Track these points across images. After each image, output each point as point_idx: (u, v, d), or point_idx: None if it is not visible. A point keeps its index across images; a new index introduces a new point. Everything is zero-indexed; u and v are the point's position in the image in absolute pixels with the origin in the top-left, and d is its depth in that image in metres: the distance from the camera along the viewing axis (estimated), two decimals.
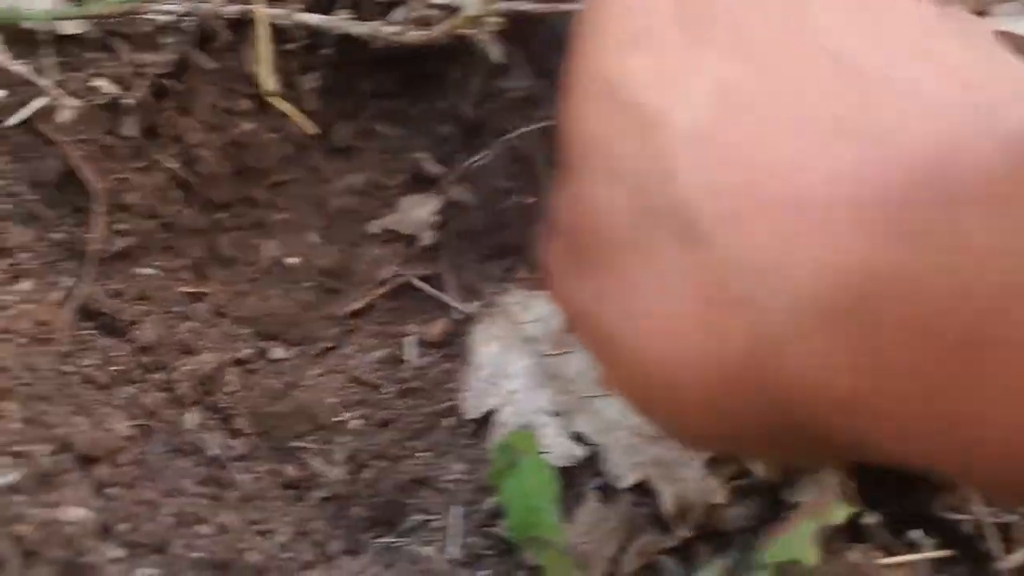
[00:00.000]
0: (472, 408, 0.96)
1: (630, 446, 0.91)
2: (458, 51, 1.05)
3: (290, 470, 0.94)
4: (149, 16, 0.98)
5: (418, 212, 1.08)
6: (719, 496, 0.88)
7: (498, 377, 0.97)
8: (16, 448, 0.82)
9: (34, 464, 0.81)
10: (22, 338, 0.91)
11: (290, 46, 1.03)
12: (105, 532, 0.81)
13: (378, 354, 1.02)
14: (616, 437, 0.91)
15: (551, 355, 0.96)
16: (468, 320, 1.01)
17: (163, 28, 1.01)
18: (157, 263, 1.03)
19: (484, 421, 0.95)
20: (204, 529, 0.85)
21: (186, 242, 1.06)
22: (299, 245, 1.08)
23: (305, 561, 0.87)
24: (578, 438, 0.92)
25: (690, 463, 0.89)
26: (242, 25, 1.02)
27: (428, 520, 0.92)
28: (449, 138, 1.12)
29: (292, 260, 1.08)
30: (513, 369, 0.96)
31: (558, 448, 0.91)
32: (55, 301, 0.96)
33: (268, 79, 0.93)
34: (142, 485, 0.85)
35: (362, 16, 1.00)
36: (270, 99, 0.94)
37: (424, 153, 1.11)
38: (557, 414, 0.93)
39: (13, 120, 0.98)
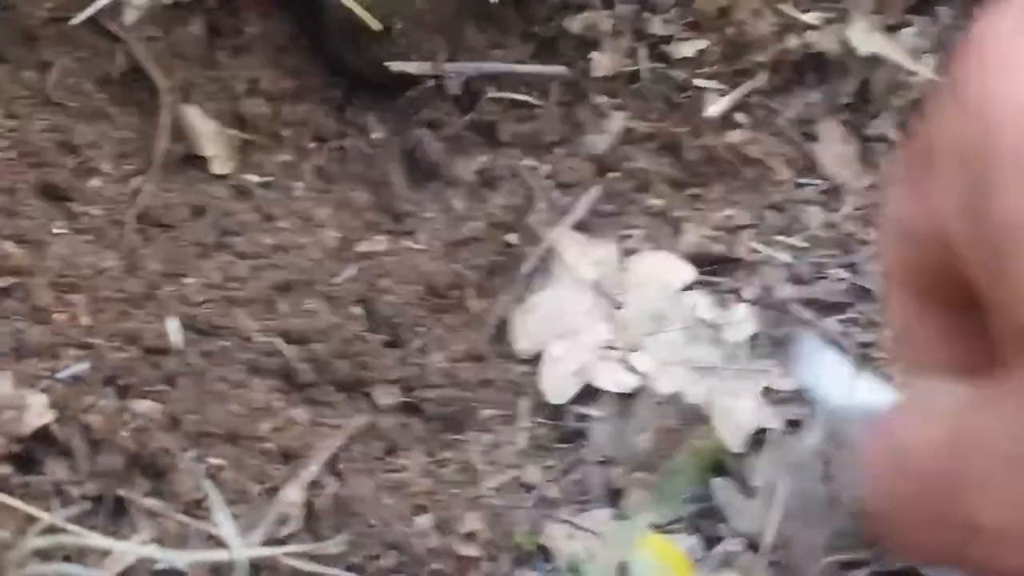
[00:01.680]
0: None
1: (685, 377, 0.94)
2: None
3: None
4: None
5: None
6: (774, 423, 0.90)
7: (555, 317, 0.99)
8: (86, 340, 0.83)
9: (102, 357, 0.82)
10: (90, 235, 0.92)
11: None
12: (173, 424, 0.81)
13: None
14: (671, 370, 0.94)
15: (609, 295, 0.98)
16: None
17: None
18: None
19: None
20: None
21: None
22: None
23: None
24: (633, 371, 0.94)
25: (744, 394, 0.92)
26: None
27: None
28: None
29: None
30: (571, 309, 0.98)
31: (615, 378, 0.94)
32: (123, 200, 0.96)
33: None
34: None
35: None
36: None
37: None
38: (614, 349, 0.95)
39: (79, 18, 0.98)
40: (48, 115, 0.97)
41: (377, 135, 1.10)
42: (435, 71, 1.07)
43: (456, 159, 1.09)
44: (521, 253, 1.02)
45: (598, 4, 1.10)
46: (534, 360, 0.97)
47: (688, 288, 0.98)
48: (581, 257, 1.00)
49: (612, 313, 0.96)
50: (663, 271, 0.99)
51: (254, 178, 1.03)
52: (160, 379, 0.84)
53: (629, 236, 1.03)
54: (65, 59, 0.99)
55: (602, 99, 1.09)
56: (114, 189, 0.97)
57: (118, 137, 1.00)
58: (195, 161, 1.01)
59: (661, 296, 0.97)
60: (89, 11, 0.98)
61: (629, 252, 1.01)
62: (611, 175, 1.07)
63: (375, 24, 0.97)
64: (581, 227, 1.03)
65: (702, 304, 0.96)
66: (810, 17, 1.05)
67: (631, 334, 0.95)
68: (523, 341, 0.97)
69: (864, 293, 0.98)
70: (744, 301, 0.98)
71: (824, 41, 1.05)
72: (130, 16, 0.99)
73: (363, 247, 1.02)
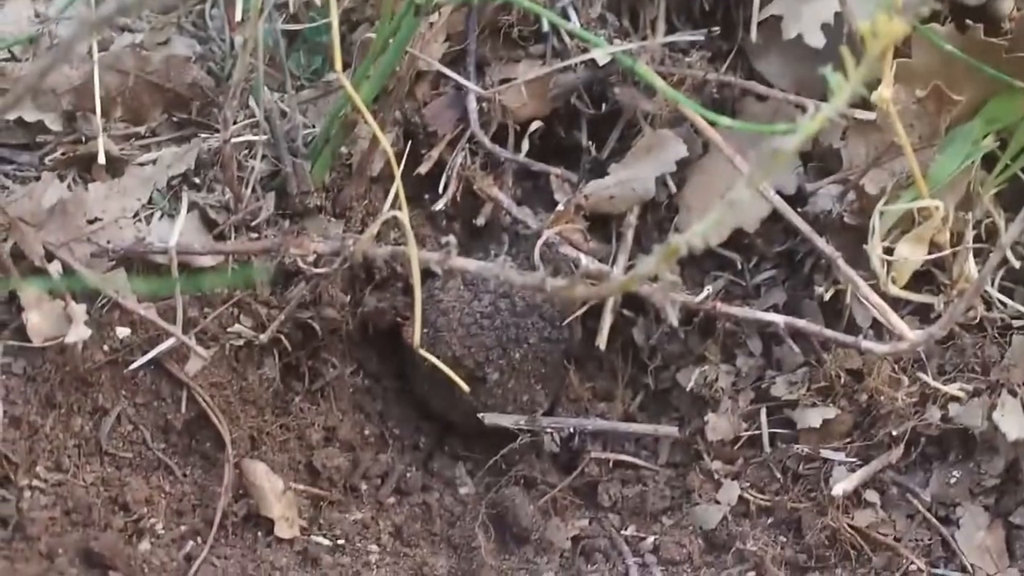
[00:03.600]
0: None
1: None
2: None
3: None
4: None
5: None
6: None
7: None
8: None
9: None
10: None
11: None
12: None
13: None
14: None
15: None
16: None
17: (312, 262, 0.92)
18: None
19: None
20: None
21: None
22: None
23: None
24: None
25: None
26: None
27: None
28: None
29: None
30: None
31: None
32: (173, 568, 0.87)
33: (417, 335, 0.83)
34: None
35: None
36: (423, 353, 0.85)
37: None
38: None
39: (139, 361, 0.89)
40: (99, 468, 0.88)
41: (465, 490, 1.01)
42: (532, 426, 0.97)
43: (550, 523, 0.98)
44: None
45: (717, 357, 1.00)
46: None
47: None
48: None
49: None
50: None
51: (324, 541, 0.94)
52: None
53: None
54: (122, 405, 0.90)
55: (716, 465, 0.98)
56: (164, 554, 0.87)
57: (175, 493, 0.91)
58: (259, 522, 0.92)
59: None
60: (151, 354, 0.89)
61: None
62: (722, 556, 0.96)
63: (463, 385, 0.87)
64: None
65: None
66: (953, 388, 0.93)
67: None
68: None
69: None
70: None
71: (968, 416, 0.93)
72: (194, 365, 0.90)
73: None
